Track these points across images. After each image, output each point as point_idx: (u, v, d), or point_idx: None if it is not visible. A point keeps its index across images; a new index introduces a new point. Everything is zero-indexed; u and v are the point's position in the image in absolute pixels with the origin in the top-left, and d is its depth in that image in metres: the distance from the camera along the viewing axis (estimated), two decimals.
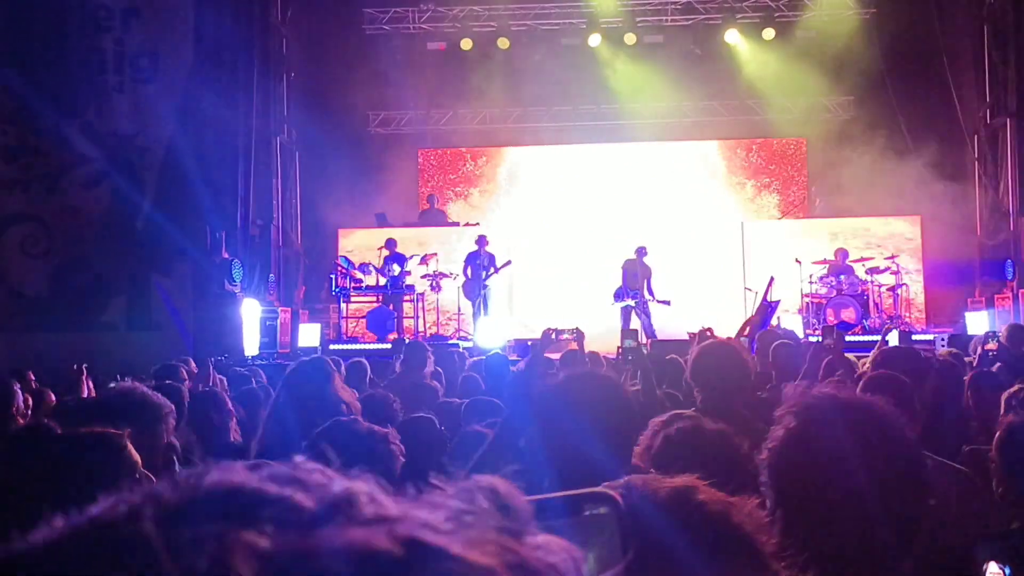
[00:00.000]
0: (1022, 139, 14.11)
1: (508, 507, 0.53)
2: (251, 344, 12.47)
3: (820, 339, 6.42)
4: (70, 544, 0.46)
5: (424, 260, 14.65)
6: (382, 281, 14.49)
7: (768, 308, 14.36)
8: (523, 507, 0.54)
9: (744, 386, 3.68)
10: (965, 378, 5.87)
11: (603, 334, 14.93)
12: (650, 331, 13.67)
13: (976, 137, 15.01)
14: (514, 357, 10.00)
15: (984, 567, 2.00)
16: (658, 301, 14.13)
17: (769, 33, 15.86)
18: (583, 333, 6.84)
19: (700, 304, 15.21)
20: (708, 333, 6.38)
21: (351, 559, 0.45)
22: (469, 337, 13.81)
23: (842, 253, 14.26)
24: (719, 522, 1.04)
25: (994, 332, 6.47)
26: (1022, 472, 2.52)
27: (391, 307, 14.38)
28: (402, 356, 6.91)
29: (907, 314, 13.95)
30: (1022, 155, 14.14)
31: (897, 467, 1.56)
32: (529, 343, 12.67)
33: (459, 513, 0.52)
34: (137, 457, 2.48)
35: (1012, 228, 14.20)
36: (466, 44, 16.17)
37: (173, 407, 3.24)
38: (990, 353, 6.08)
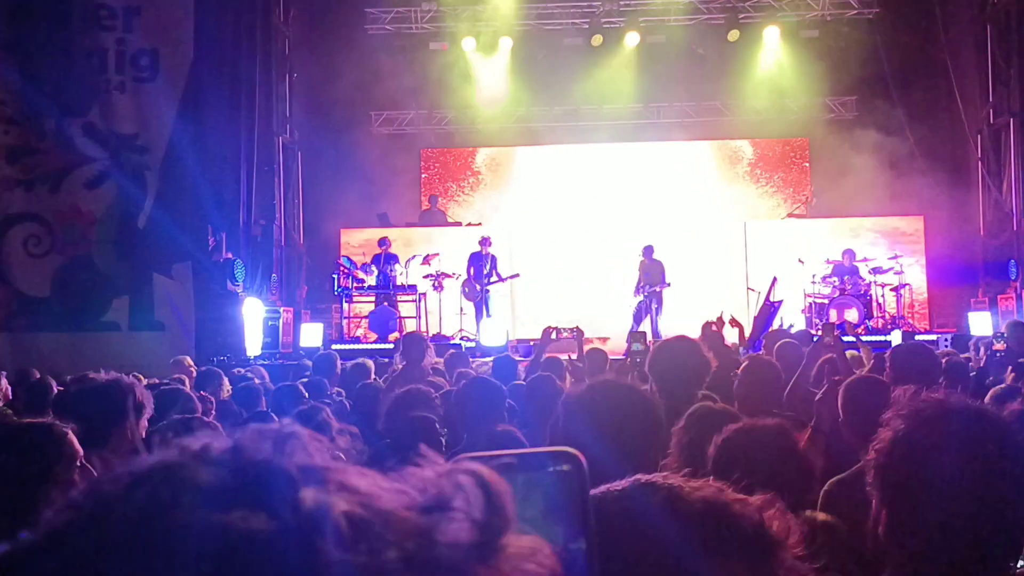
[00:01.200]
0: None
1: (491, 498, 0.51)
2: (253, 344, 12.47)
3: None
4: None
5: (426, 260, 14.65)
6: (382, 281, 14.49)
7: (771, 308, 14.35)
8: (507, 500, 0.52)
9: (702, 380, 3.74)
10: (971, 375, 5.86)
11: (603, 333, 14.94)
12: (656, 331, 13.65)
13: (979, 137, 14.98)
14: (518, 358, 9.97)
15: None
16: (660, 287, 14.09)
17: (772, 33, 15.84)
18: (582, 332, 6.84)
19: (702, 304, 15.20)
20: (715, 327, 6.36)
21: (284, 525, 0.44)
22: (472, 337, 13.80)
23: (848, 254, 14.24)
24: (755, 536, 1.01)
25: (1002, 333, 6.45)
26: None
27: (387, 304, 14.37)
28: (400, 349, 6.88)
29: (910, 314, 13.93)
30: None
31: (1008, 476, 1.55)
32: (532, 343, 12.68)
33: (426, 491, 0.50)
34: (78, 448, 2.52)
35: (1015, 228, 14.18)
36: (468, 44, 16.16)
37: (142, 401, 3.26)
38: (998, 354, 6.06)
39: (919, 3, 15.25)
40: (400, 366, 6.76)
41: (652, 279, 14.07)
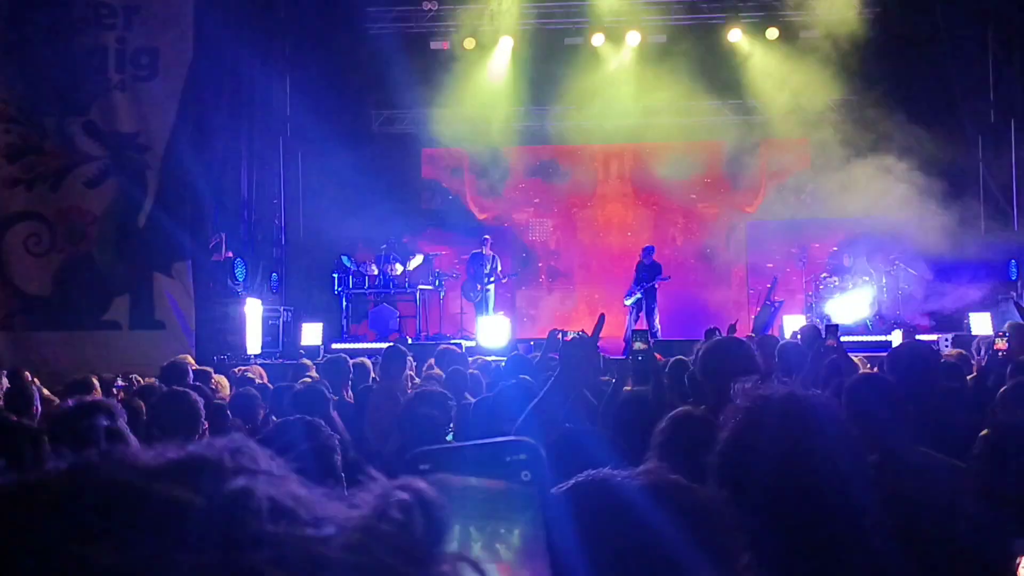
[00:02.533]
0: None
1: (428, 519, 0.52)
2: (254, 343, 12.47)
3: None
4: None
5: (427, 259, 14.65)
6: (383, 280, 14.50)
7: (772, 309, 14.35)
8: (443, 522, 0.53)
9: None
10: (969, 377, 5.86)
11: (608, 333, 14.93)
12: (652, 330, 13.66)
13: (980, 137, 14.97)
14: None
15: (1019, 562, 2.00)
16: (658, 280, 14.09)
17: (772, 33, 15.83)
18: (588, 335, 6.82)
19: (703, 304, 15.22)
20: (719, 332, 6.36)
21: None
22: (472, 336, 13.81)
23: (848, 254, 14.25)
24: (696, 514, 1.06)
25: (1004, 333, 6.42)
26: (1004, 472, 2.53)
27: (387, 304, 14.38)
28: (380, 362, 6.74)
29: (911, 314, 13.92)
30: None
31: (833, 458, 1.59)
32: (532, 343, 12.69)
33: (371, 518, 0.50)
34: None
35: (1016, 228, 14.18)
36: (469, 44, 16.15)
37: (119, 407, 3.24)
38: (1000, 353, 6.04)
39: (920, 4, 15.23)
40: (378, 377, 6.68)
41: (643, 279, 14.09)
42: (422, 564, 0.50)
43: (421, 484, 0.54)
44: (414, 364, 7.00)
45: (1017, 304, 6.34)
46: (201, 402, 4.01)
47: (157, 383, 6.31)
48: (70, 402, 3.29)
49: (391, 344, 7.69)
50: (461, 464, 0.62)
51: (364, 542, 0.49)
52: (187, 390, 4.44)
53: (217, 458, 0.50)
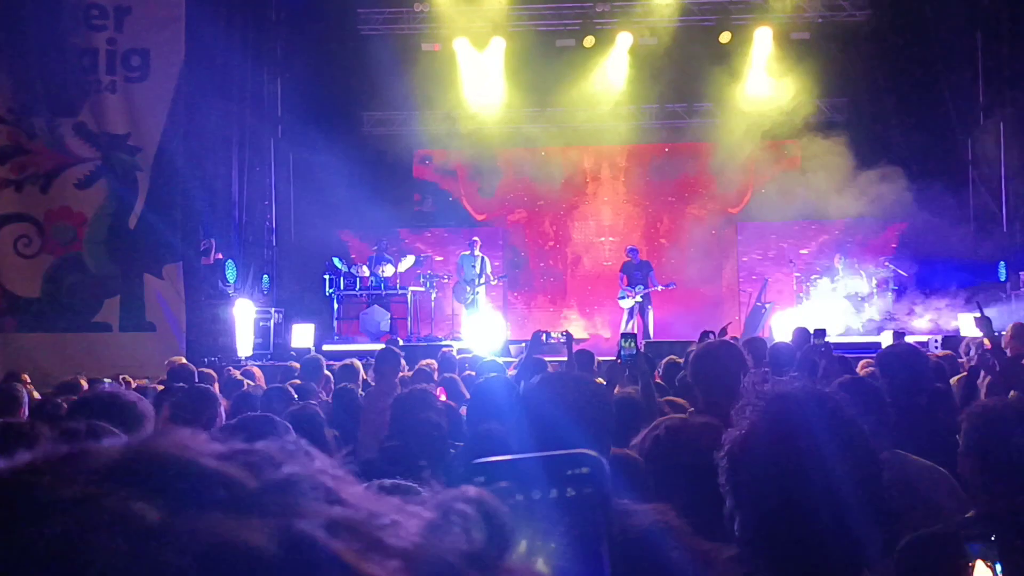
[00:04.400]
0: (1015, 143, 14.16)
1: (491, 527, 0.52)
2: (245, 345, 12.45)
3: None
4: None
5: (418, 261, 14.66)
6: (374, 282, 14.50)
7: (761, 310, 14.41)
8: (507, 529, 0.53)
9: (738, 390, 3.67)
10: (959, 377, 5.89)
11: (598, 333, 14.96)
12: (645, 333, 13.69)
13: (970, 139, 15.04)
14: (509, 359, 9.98)
15: (971, 566, 2.01)
16: (664, 286, 14.15)
17: (763, 34, 15.88)
18: (572, 335, 6.84)
19: (694, 306, 15.25)
20: (713, 335, 6.37)
21: (215, 550, 0.44)
22: (463, 338, 13.81)
23: (839, 255, 14.32)
24: None
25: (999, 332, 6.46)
26: (985, 456, 2.54)
27: (378, 305, 14.38)
28: (374, 363, 6.82)
29: (901, 315, 13.97)
30: (1015, 157, 14.19)
31: (851, 456, 1.56)
32: (523, 344, 12.69)
33: (432, 525, 0.50)
34: None
35: (1005, 229, 14.25)
36: (461, 45, 16.16)
37: (152, 412, 3.26)
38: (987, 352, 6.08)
39: (910, 5, 15.30)
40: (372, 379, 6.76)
41: (639, 280, 14.12)
42: (487, 571, 0.50)
43: (483, 493, 0.54)
44: (405, 364, 7.03)
45: (979, 304, 6.37)
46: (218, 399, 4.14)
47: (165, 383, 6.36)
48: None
49: (384, 346, 7.74)
50: (519, 476, 0.62)
51: (430, 543, 0.48)
52: (208, 387, 4.53)
53: (278, 450, 0.50)
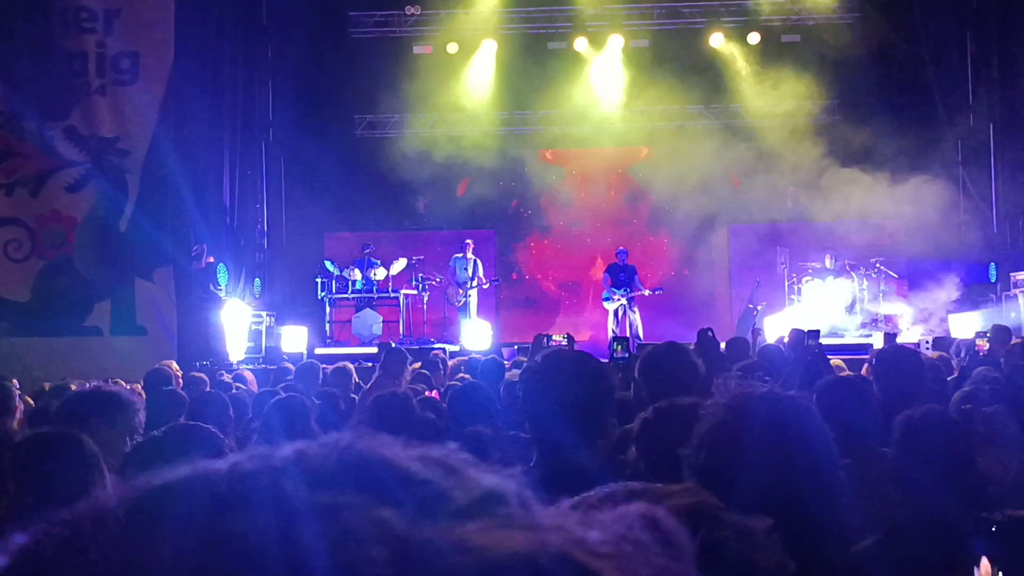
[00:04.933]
0: (1005, 144, 14.24)
1: (670, 543, 0.52)
2: (237, 349, 12.41)
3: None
4: (203, 487, 0.45)
5: (410, 264, 14.64)
6: (364, 285, 14.48)
7: (751, 312, 14.45)
8: (686, 545, 0.53)
9: (691, 387, 3.70)
10: (950, 378, 5.91)
11: (591, 336, 14.96)
12: (636, 335, 13.70)
13: (960, 141, 15.11)
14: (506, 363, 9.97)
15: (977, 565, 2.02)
16: (651, 292, 14.19)
17: (754, 37, 15.92)
18: (574, 338, 6.87)
19: (686, 308, 15.27)
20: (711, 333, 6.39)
21: (491, 562, 0.43)
22: (455, 341, 13.79)
23: (831, 256, 14.37)
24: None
25: (984, 332, 6.51)
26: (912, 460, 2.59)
27: (369, 308, 14.37)
28: (381, 360, 6.91)
29: (892, 316, 14.02)
30: (1005, 159, 14.27)
31: (814, 459, 1.59)
32: (516, 347, 12.69)
33: (618, 538, 0.49)
34: (96, 452, 2.53)
35: (995, 230, 14.32)
36: (452, 48, 16.16)
37: (143, 403, 3.30)
38: (980, 354, 6.12)
39: (900, 8, 15.38)
40: (376, 376, 6.78)
41: (623, 282, 14.15)
42: None
43: (659, 511, 0.53)
44: (412, 364, 7.04)
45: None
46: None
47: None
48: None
49: (391, 345, 7.75)
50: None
51: (626, 553, 0.48)
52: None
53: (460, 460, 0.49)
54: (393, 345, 8.84)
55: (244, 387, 7.14)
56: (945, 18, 14.93)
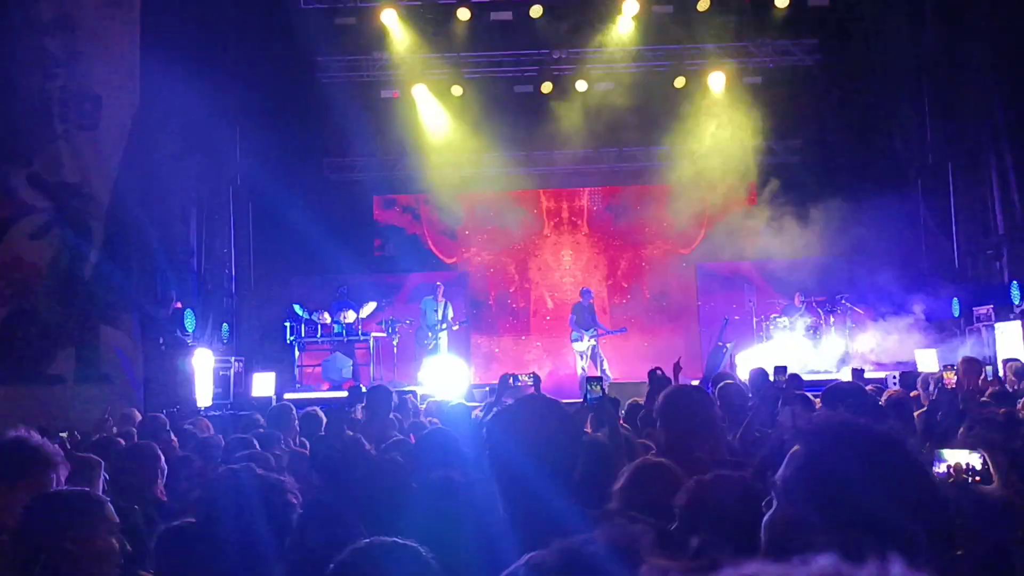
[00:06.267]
0: (963, 180, 14.51)
1: None
2: (204, 395, 12.25)
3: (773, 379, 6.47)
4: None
5: (380, 306, 14.60)
6: (336, 328, 14.41)
7: (722, 351, 14.51)
8: None
9: (709, 433, 3.68)
10: (918, 412, 5.96)
11: (560, 380, 14.95)
12: (605, 374, 13.72)
13: (920, 179, 15.38)
14: (472, 403, 9.93)
15: None
16: (615, 332, 14.26)
17: (717, 79, 16.19)
18: (540, 378, 6.84)
19: (654, 347, 15.32)
20: (660, 371, 6.37)
21: None
22: (424, 383, 13.72)
23: (798, 294, 14.54)
24: None
25: (951, 365, 6.59)
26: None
27: (340, 352, 14.29)
28: (365, 401, 6.87)
29: (859, 352, 14.15)
30: (963, 196, 14.53)
31: (908, 488, 1.59)
32: (488, 388, 12.64)
33: None
34: (115, 517, 2.49)
35: (957, 266, 14.55)
36: (420, 91, 16.27)
37: (63, 458, 3.21)
38: (948, 386, 6.18)
39: (858, 51, 15.73)
40: (361, 415, 6.74)
41: (588, 322, 14.20)
42: None
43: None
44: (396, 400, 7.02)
45: None
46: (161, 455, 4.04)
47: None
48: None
49: (376, 385, 7.71)
50: None
51: None
52: (149, 443, 4.44)
53: None
54: (364, 389, 8.78)
55: (205, 433, 7.03)
56: (902, 59, 15.29)
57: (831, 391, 4.41)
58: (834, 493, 1.56)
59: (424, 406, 8.56)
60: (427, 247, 16.91)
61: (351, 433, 6.61)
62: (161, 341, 12.02)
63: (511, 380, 6.67)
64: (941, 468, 2.83)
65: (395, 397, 6.93)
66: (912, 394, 7.60)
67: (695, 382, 7.68)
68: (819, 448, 1.64)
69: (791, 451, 1.66)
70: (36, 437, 3.19)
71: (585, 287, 14.75)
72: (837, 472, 1.58)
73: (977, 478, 2.82)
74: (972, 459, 2.88)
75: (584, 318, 14.25)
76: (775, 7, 15.14)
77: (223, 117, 14.57)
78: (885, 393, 6.77)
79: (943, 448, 2.97)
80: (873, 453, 1.61)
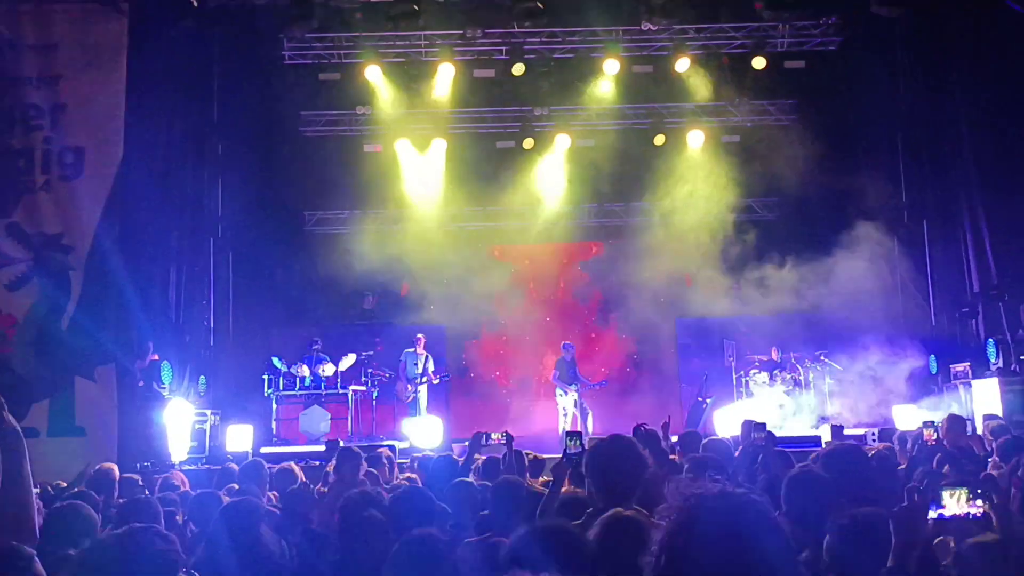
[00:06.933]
0: (938, 240, 14.71)
1: None
2: (179, 449, 12.07)
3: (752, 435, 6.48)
4: None
5: (359, 360, 14.52)
6: (307, 381, 14.31)
7: (702, 406, 14.51)
8: None
9: (639, 479, 3.69)
10: (900, 467, 5.97)
11: (541, 434, 14.86)
12: (584, 430, 13.65)
13: (896, 238, 15.57)
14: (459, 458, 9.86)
15: None
16: (597, 385, 14.21)
17: (696, 137, 16.43)
18: (512, 436, 6.82)
19: (635, 402, 15.29)
20: (645, 427, 6.36)
21: None
22: (404, 437, 13.60)
23: (776, 349, 14.60)
24: None
25: (931, 422, 6.62)
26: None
27: (317, 405, 14.17)
28: (335, 463, 6.83)
29: (838, 408, 14.18)
30: (939, 255, 14.72)
31: (771, 556, 1.61)
32: (467, 443, 12.55)
33: None
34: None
35: (933, 323, 14.67)
36: (403, 146, 16.40)
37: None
38: (928, 443, 6.21)
39: (834, 111, 16.03)
40: (332, 477, 6.70)
41: (572, 377, 14.16)
42: None
43: None
44: (366, 463, 6.94)
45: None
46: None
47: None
48: None
49: (343, 446, 7.63)
50: None
51: None
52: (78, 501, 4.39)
53: None
54: (341, 443, 8.70)
55: (175, 492, 6.92)
56: (877, 120, 15.59)
57: (830, 456, 4.43)
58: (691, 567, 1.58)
59: (408, 461, 8.50)
60: (407, 300, 16.87)
61: (324, 489, 6.56)
62: (136, 393, 11.87)
63: (484, 438, 6.65)
64: (937, 512, 2.84)
65: (364, 464, 6.85)
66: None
67: (675, 438, 7.67)
68: (680, 524, 1.68)
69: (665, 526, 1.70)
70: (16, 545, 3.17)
71: (567, 341, 14.74)
72: (692, 548, 1.61)
73: (976, 522, 2.85)
74: (972, 507, 2.90)
75: (567, 372, 14.22)
76: (752, 68, 15.43)
77: (206, 169, 14.61)
78: (867, 449, 6.78)
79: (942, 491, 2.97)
80: (737, 525, 1.64)
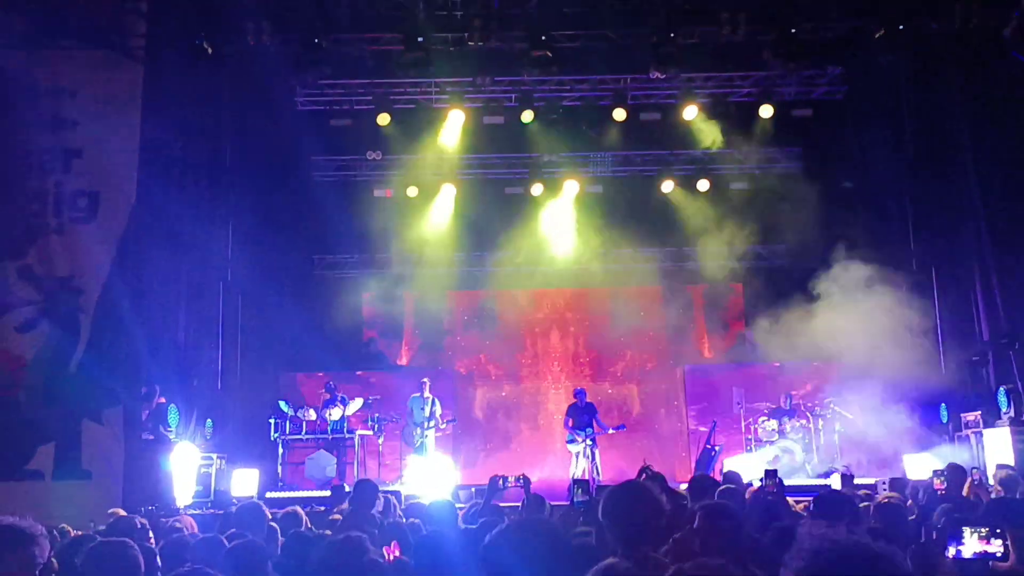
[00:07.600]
0: (947, 288, 14.66)
1: None
2: (184, 493, 12.01)
3: (761, 482, 6.42)
4: None
5: (367, 403, 14.48)
6: (323, 426, 14.25)
7: (711, 453, 14.40)
8: None
9: (656, 526, 3.63)
10: (911, 517, 5.90)
11: (548, 476, 14.75)
12: (595, 476, 13.53)
13: (904, 285, 15.53)
14: (458, 505, 9.76)
15: None
16: (614, 429, 14.07)
17: (703, 184, 16.51)
18: (530, 479, 6.77)
19: (643, 448, 15.19)
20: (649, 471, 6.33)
21: None
22: (408, 483, 13.51)
23: (786, 397, 14.50)
24: None
25: (941, 471, 6.57)
26: None
27: (333, 452, 14.11)
28: (351, 495, 6.75)
29: (848, 457, 14.05)
30: (947, 303, 14.66)
31: None
32: (474, 489, 12.45)
33: None
34: None
35: (944, 372, 14.57)
36: (412, 191, 16.52)
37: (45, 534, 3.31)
38: (939, 492, 6.15)
39: (841, 158, 16.11)
40: (345, 509, 6.62)
41: (585, 423, 14.04)
42: None
43: None
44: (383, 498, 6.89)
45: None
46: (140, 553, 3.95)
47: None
48: None
49: (362, 479, 7.53)
50: None
51: None
52: (125, 540, 4.31)
53: None
54: (347, 488, 8.66)
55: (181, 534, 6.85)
56: (884, 168, 15.64)
57: (821, 501, 4.40)
58: None
59: (405, 507, 8.40)
60: (414, 344, 16.89)
61: (328, 533, 6.46)
62: (142, 437, 11.84)
63: (501, 482, 6.60)
64: (955, 550, 2.84)
65: (380, 496, 6.80)
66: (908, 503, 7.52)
67: (683, 486, 7.60)
68: (814, 569, 1.72)
69: None
70: (26, 520, 3.37)
71: (579, 388, 14.65)
72: None
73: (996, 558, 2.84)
74: (993, 545, 2.88)
75: (580, 419, 14.12)
76: (760, 116, 15.55)
77: (217, 213, 14.72)
78: (877, 498, 6.71)
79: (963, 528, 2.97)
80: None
